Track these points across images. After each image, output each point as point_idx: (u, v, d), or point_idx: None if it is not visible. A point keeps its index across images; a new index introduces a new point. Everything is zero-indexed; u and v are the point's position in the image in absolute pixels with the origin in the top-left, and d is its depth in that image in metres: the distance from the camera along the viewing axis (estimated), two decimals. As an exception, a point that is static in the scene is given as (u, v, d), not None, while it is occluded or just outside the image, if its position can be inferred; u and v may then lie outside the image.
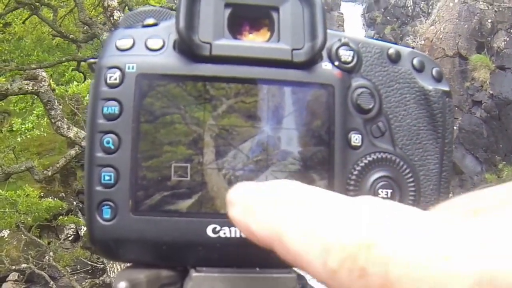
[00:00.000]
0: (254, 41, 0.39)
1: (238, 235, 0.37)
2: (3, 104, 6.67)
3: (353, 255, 0.21)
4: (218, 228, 0.37)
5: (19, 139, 6.52)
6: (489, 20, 9.74)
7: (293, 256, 0.23)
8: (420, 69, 0.44)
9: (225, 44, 0.37)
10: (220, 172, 0.37)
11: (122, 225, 0.36)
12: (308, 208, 0.23)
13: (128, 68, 0.37)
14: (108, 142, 0.36)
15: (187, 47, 0.37)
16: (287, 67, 0.38)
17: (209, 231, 0.37)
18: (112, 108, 0.37)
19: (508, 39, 9.66)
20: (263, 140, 0.37)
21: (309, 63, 0.39)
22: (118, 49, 0.38)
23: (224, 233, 0.37)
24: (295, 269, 0.39)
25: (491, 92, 9.60)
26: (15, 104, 6.14)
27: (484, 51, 9.64)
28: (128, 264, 0.40)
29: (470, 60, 9.73)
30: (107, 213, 0.36)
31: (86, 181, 0.37)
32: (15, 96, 5.88)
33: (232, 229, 0.37)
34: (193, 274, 0.36)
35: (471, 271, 0.18)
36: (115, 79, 0.37)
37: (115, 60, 0.37)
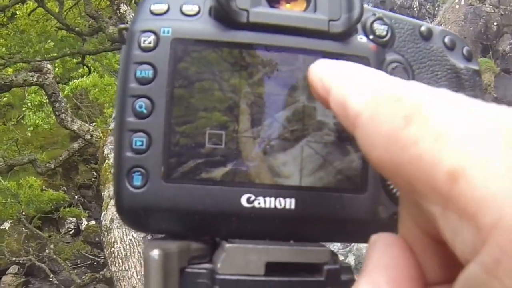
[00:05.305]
0: (291, 10, 0.38)
1: (273, 206, 0.36)
2: (8, 96, 6.72)
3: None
4: (252, 197, 0.36)
5: (29, 134, 6.57)
6: (495, 23, 9.72)
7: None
8: (451, 48, 0.44)
9: (263, 12, 0.37)
10: (255, 140, 0.36)
11: (153, 192, 0.35)
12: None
13: (163, 32, 0.36)
14: (140, 107, 0.35)
15: (224, 14, 0.36)
16: (323, 38, 0.38)
17: (243, 200, 0.36)
18: (145, 71, 0.36)
19: (513, 42, 9.65)
20: (299, 109, 0.37)
21: (345, 35, 0.38)
22: (152, 13, 0.37)
23: (259, 203, 0.36)
24: (327, 244, 0.38)
25: (495, 95, 9.58)
26: (30, 108, 6.21)
27: (489, 54, 9.63)
28: (149, 237, 0.39)
29: (474, 62, 9.69)
30: (137, 180, 0.35)
31: (116, 146, 0.36)
32: (30, 101, 5.96)
33: (267, 199, 0.36)
34: (226, 245, 0.35)
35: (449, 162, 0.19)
36: (150, 43, 0.36)
37: (150, 24, 0.36)
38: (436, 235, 0.23)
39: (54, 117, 5.24)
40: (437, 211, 0.20)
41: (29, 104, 6.36)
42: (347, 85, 0.26)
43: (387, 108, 0.23)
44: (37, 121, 6.12)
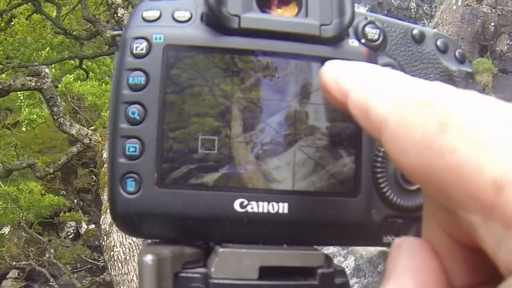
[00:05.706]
0: (283, 16, 0.38)
1: (266, 210, 0.36)
2: (6, 99, 6.72)
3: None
4: (245, 202, 0.36)
5: (23, 128, 6.56)
6: (492, 24, 9.73)
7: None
8: (444, 50, 0.44)
9: (254, 17, 0.37)
10: (247, 145, 0.36)
11: (147, 198, 0.36)
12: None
13: (155, 39, 0.36)
14: (133, 113, 0.36)
15: (215, 20, 0.37)
16: (315, 43, 0.38)
17: (236, 205, 0.36)
18: (138, 78, 0.36)
19: (511, 42, 9.66)
20: (291, 114, 0.37)
21: (337, 39, 0.38)
22: (144, 20, 0.37)
23: (252, 208, 0.36)
24: (320, 248, 0.38)
25: (493, 95, 9.58)
26: (22, 101, 6.19)
27: (486, 54, 9.63)
28: (149, 241, 0.39)
29: (472, 63, 9.71)
30: (131, 185, 0.36)
31: (110, 153, 0.37)
32: (22, 94, 5.95)
33: (260, 203, 0.36)
34: (220, 249, 0.35)
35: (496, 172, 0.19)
36: (142, 49, 0.36)
37: (142, 31, 0.37)
38: (463, 239, 0.23)
39: (46, 109, 5.23)
40: (476, 220, 0.20)
41: (21, 98, 6.35)
42: (368, 87, 0.25)
43: (418, 113, 0.22)
44: (31, 116, 6.11)
